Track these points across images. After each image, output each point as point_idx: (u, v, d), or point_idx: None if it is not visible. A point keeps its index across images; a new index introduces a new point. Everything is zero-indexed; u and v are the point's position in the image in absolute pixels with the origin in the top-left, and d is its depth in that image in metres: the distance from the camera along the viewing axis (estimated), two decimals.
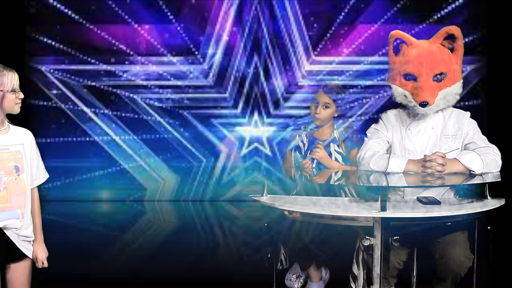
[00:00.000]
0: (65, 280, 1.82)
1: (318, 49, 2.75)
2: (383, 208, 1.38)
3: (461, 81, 1.77)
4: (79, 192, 2.73)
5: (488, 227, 1.60)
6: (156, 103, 2.81)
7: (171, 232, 2.45)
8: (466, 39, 2.50)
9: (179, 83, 2.79)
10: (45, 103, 2.73)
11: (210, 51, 2.79)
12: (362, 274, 1.64)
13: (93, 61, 2.74)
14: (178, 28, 2.75)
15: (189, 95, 2.83)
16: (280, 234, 1.77)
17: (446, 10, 2.59)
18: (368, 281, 1.54)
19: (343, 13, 2.68)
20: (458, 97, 1.79)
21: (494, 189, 1.60)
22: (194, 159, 2.82)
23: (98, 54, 2.73)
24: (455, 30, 1.76)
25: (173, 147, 2.83)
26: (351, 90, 2.74)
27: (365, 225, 1.44)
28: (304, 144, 2.05)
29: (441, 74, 1.75)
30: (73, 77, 2.75)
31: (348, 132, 2.09)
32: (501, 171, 1.63)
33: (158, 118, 2.81)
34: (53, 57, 2.74)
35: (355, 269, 1.66)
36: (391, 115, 1.90)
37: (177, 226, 2.56)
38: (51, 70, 2.74)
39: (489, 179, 1.57)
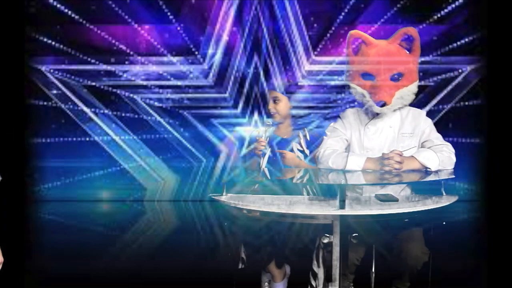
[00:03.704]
0: (65, 280, 1.82)
1: (318, 49, 2.74)
2: (342, 206, 1.40)
3: (417, 81, 1.82)
4: (79, 192, 2.73)
5: (443, 223, 1.64)
6: (156, 103, 2.81)
7: (171, 232, 2.45)
8: (466, 39, 2.50)
9: (179, 83, 2.78)
10: (45, 103, 2.73)
11: (210, 51, 2.78)
12: (322, 271, 1.67)
13: (93, 61, 2.74)
14: (178, 28, 2.74)
15: (189, 95, 2.83)
16: (241, 233, 1.79)
17: (446, 10, 2.59)
18: (328, 278, 1.56)
19: (343, 13, 2.68)
20: (413, 96, 1.85)
21: (494, 189, 1.61)
22: (194, 159, 2.82)
23: (98, 54, 2.73)
24: (412, 31, 1.82)
25: (173, 147, 2.83)
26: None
27: (324, 223, 1.46)
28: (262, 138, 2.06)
29: (398, 74, 1.80)
30: (73, 77, 2.75)
31: (313, 132, 2.11)
32: (501, 171, 1.65)
33: (158, 118, 2.81)
34: (53, 57, 2.74)
35: (315, 266, 1.69)
36: (349, 114, 1.95)
37: (177, 226, 2.56)
38: (51, 70, 2.74)
39: (444, 176, 1.61)
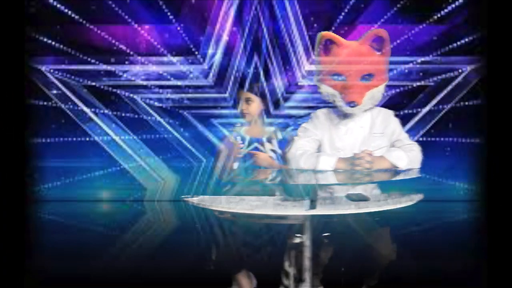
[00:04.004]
0: (65, 280, 1.82)
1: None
2: (313, 206, 1.41)
3: (387, 81, 1.84)
4: (79, 192, 2.73)
5: (415, 222, 1.66)
6: (156, 103, 2.81)
7: (171, 232, 2.45)
8: (466, 39, 2.50)
9: (179, 83, 2.79)
10: (45, 103, 2.73)
11: (210, 51, 2.79)
12: (293, 271, 1.68)
13: (93, 61, 2.74)
14: (178, 28, 2.74)
15: (189, 95, 2.83)
16: (215, 235, 1.80)
17: (446, 10, 2.58)
18: (299, 277, 1.58)
19: (343, 13, 2.68)
20: (381, 97, 1.88)
21: (494, 189, 1.62)
22: (194, 159, 2.82)
23: (98, 54, 2.73)
24: (383, 32, 1.84)
25: (173, 147, 2.83)
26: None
27: (295, 223, 1.47)
28: (236, 141, 2.08)
29: (369, 74, 1.82)
30: (73, 77, 2.75)
31: (285, 133, 2.13)
32: (501, 171, 1.66)
33: (158, 118, 2.81)
34: (53, 57, 2.74)
35: (286, 266, 1.70)
36: (320, 114, 1.97)
37: (177, 226, 2.55)
38: (51, 70, 2.74)
39: (413, 175, 1.64)
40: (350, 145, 1.85)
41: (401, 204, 1.46)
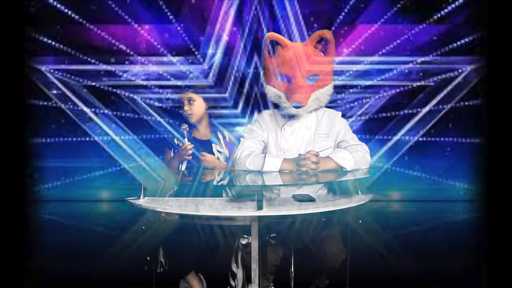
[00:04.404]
0: (65, 280, 1.82)
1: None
2: (259, 207, 1.41)
3: (333, 82, 1.84)
4: (79, 192, 2.73)
5: (360, 221, 1.66)
6: (156, 103, 2.80)
7: (171, 232, 2.44)
8: (466, 39, 2.50)
9: (179, 83, 2.78)
10: (45, 103, 2.73)
11: (210, 51, 2.78)
12: (241, 272, 1.68)
13: (93, 61, 2.74)
14: (178, 28, 2.74)
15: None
16: (158, 236, 1.80)
17: (446, 10, 2.58)
18: (247, 278, 1.58)
19: (343, 13, 2.68)
20: (329, 98, 1.87)
21: (494, 189, 1.61)
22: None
23: (98, 54, 2.73)
24: (327, 34, 1.84)
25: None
26: (351, 90, 2.74)
27: (242, 224, 1.47)
28: (184, 142, 2.09)
29: (314, 75, 1.82)
30: (73, 77, 2.75)
31: (234, 134, 2.13)
32: (501, 171, 1.66)
33: (158, 118, 2.81)
34: (53, 57, 2.74)
35: (234, 267, 1.70)
36: (266, 115, 1.98)
37: (177, 226, 2.55)
38: (51, 70, 2.74)
39: (359, 175, 1.64)
40: (295, 146, 1.84)
41: (351, 204, 1.46)
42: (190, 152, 1.99)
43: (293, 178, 1.65)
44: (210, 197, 1.57)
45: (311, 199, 1.48)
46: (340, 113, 1.89)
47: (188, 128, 2.11)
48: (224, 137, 2.03)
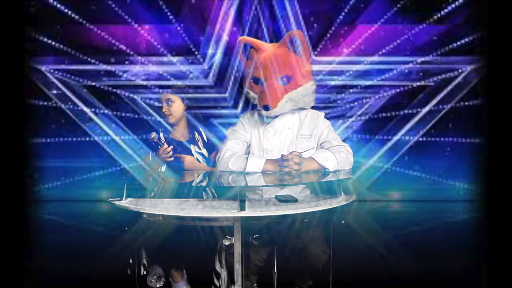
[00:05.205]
0: (65, 280, 1.82)
1: (318, 49, 2.75)
2: (242, 208, 1.41)
3: (311, 82, 1.82)
4: (79, 192, 2.73)
5: (343, 222, 1.66)
6: (156, 103, 2.80)
7: (171, 232, 2.44)
8: (466, 39, 2.50)
9: (179, 83, 2.78)
10: (45, 103, 2.73)
11: (210, 51, 2.78)
12: (225, 272, 1.68)
13: (93, 61, 2.74)
14: (178, 28, 2.74)
15: (189, 95, 2.82)
16: (139, 237, 1.80)
17: (446, 10, 2.59)
18: (231, 279, 1.58)
19: (343, 13, 2.68)
20: (311, 98, 1.86)
21: (494, 189, 1.61)
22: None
23: (98, 54, 2.73)
24: (298, 34, 1.83)
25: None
26: (351, 90, 2.74)
27: (225, 225, 1.46)
28: (163, 145, 2.09)
29: (287, 77, 1.81)
30: (73, 77, 2.75)
31: (211, 134, 2.13)
32: (501, 171, 1.65)
33: (158, 118, 2.80)
34: (53, 57, 2.74)
35: (218, 267, 1.69)
36: (249, 116, 1.98)
37: (176, 226, 2.55)
38: (51, 70, 2.74)
39: (342, 176, 1.63)
40: (278, 146, 1.84)
41: (333, 205, 1.46)
42: (170, 154, 1.99)
43: (276, 179, 1.65)
44: (193, 198, 1.57)
45: (294, 200, 1.48)
46: (323, 114, 1.88)
47: (157, 136, 2.11)
48: (202, 138, 2.03)
